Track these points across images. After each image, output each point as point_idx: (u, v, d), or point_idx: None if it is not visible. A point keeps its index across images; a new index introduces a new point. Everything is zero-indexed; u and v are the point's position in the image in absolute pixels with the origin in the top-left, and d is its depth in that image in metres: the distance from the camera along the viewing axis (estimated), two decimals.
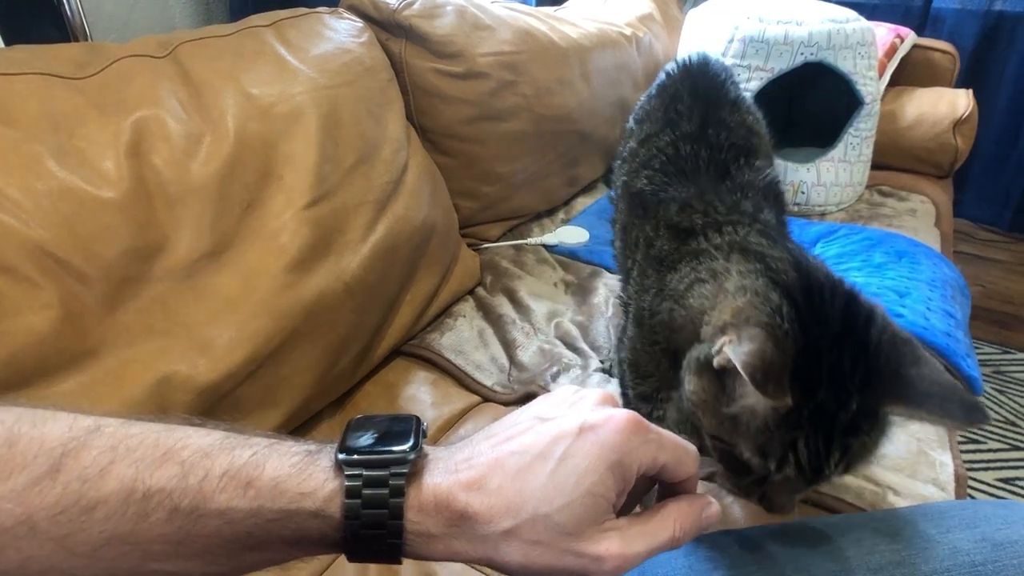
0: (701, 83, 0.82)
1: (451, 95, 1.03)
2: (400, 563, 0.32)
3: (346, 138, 0.82)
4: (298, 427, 0.75)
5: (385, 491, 0.31)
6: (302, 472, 0.31)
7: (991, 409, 1.58)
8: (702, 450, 0.46)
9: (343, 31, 0.92)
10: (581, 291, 1.04)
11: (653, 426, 0.34)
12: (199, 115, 0.71)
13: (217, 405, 0.65)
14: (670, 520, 0.34)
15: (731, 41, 1.26)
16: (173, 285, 0.65)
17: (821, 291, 0.46)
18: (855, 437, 0.43)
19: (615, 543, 0.31)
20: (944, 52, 1.71)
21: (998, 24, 2.11)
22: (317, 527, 0.31)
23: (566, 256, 1.13)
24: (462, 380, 0.84)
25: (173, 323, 0.64)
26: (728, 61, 1.27)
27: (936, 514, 0.50)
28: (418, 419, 0.35)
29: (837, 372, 0.42)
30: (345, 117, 0.83)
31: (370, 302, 0.80)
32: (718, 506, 0.36)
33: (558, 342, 0.90)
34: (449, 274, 0.97)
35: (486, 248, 1.13)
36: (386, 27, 0.99)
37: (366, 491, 0.30)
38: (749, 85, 1.26)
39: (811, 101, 1.47)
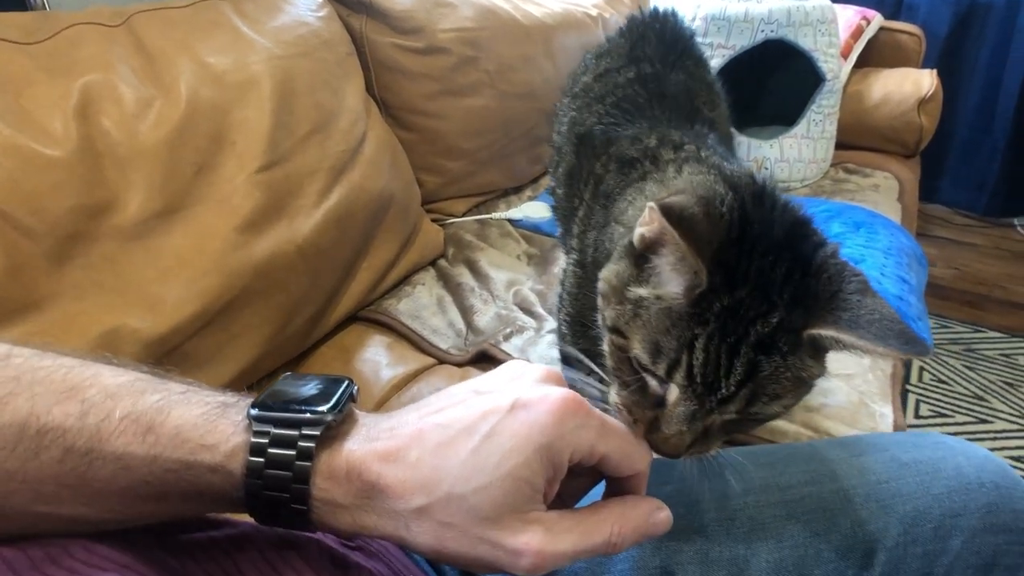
0: (671, 31, 0.81)
1: (412, 70, 1.04)
2: (312, 532, 0.31)
3: (301, 107, 0.84)
4: (250, 386, 0.76)
5: (292, 452, 0.28)
6: (209, 423, 0.29)
7: (960, 385, 1.60)
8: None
9: (302, 5, 0.94)
10: (543, 262, 1.05)
11: (596, 411, 0.31)
12: (151, 81, 0.73)
13: (165, 359, 0.66)
14: (608, 521, 0.30)
15: (693, 19, 1.28)
16: (123, 243, 0.66)
17: (774, 203, 0.41)
18: (768, 356, 0.36)
19: (537, 537, 0.28)
20: (910, 34, 1.73)
21: (970, 11, 2.14)
22: (217, 483, 0.29)
23: (530, 230, 1.15)
24: (418, 343, 0.85)
25: (122, 279, 0.66)
26: None
27: (850, 442, 0.52)
28: (350, 381, 0.32)
29: (766, 277, 0.37)
30: (300, 87, 0.85)
31: (324, 265, 0.82)
32: (668, 513, 0.32)
33: (516, 308, 0.92)
34: (409, 244, 0.98)
35: (451, 223, 1.14)
36: (346, 3, 1.01)
37: (271, 450, 0.28)
38: (712, 63, 1.28)
39: (777, 81, 1.49)
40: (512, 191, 1.28)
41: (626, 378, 0.39)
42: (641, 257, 0.40)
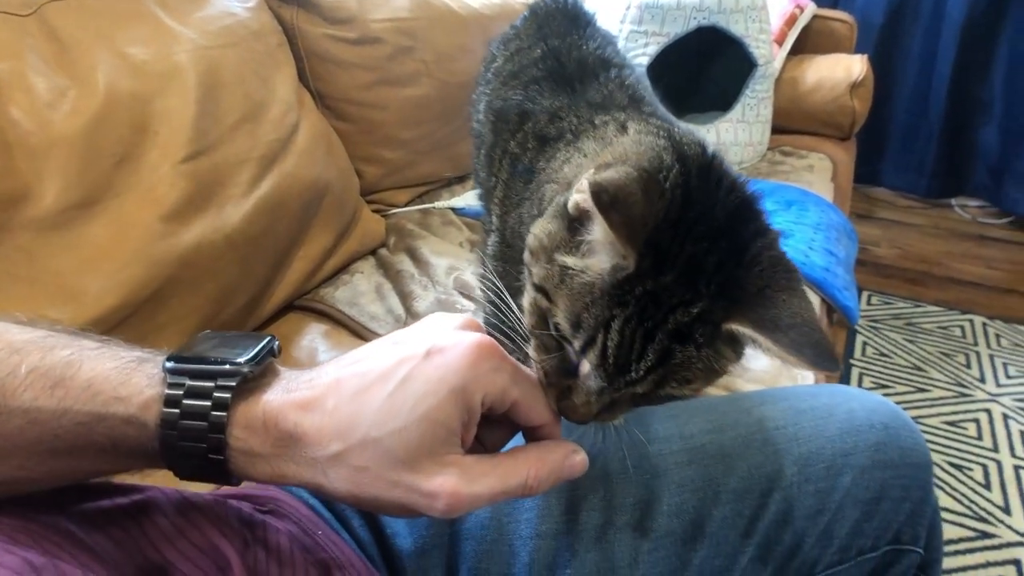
0: (572, 9, 0.81)
1: (347, 60, 1.04)
2: (234, 484, 0.31)
3: (228, 97, 0.83)
4: None
5: (207, 403, 0.29)
6: (123, 375, 0.29)
7: (901, 357, 1.66)
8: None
9: None
10: None
11: (511, 358, 0.32)
12: (65, 71, 0.71)
13: None
14: (524, 464, 0.31)
15: (628, 8, 1.31)
16: (39, 234, 0.65)
17: (720, 180, 0.39)
18: (682, 346, 0.35)
19: (452, 480, 0.29)
20: (843, 21, 1.80)
21: (903, 1, 2.23)
22: (132, 435, 0.29)
23: (473, 218, 1.16)
24: (356, 330, 0.85)
25: (39, 271, 0.64)
26: (627, 27, 1.32)
27: (752, 395, 0.54)
28: (272, 337, 0.33)
29: (697, 264, 0.36)
30: (227, 77, 0.84)
31: (255, 255, 0.81)
32: (584, 456, 0.33)
33: (455, 293, 0.93)
34: (347, 234, 0.98)
35: (393, 213, 1.14)
36: None
37: (186, 401, 0.29)
38: (647, 50, 1.31)
39: (715, 68, 1.53)
40: (455, 180, 1.29)
41: (544, 340, 0.38)
42: (576, 221, 0.38)
